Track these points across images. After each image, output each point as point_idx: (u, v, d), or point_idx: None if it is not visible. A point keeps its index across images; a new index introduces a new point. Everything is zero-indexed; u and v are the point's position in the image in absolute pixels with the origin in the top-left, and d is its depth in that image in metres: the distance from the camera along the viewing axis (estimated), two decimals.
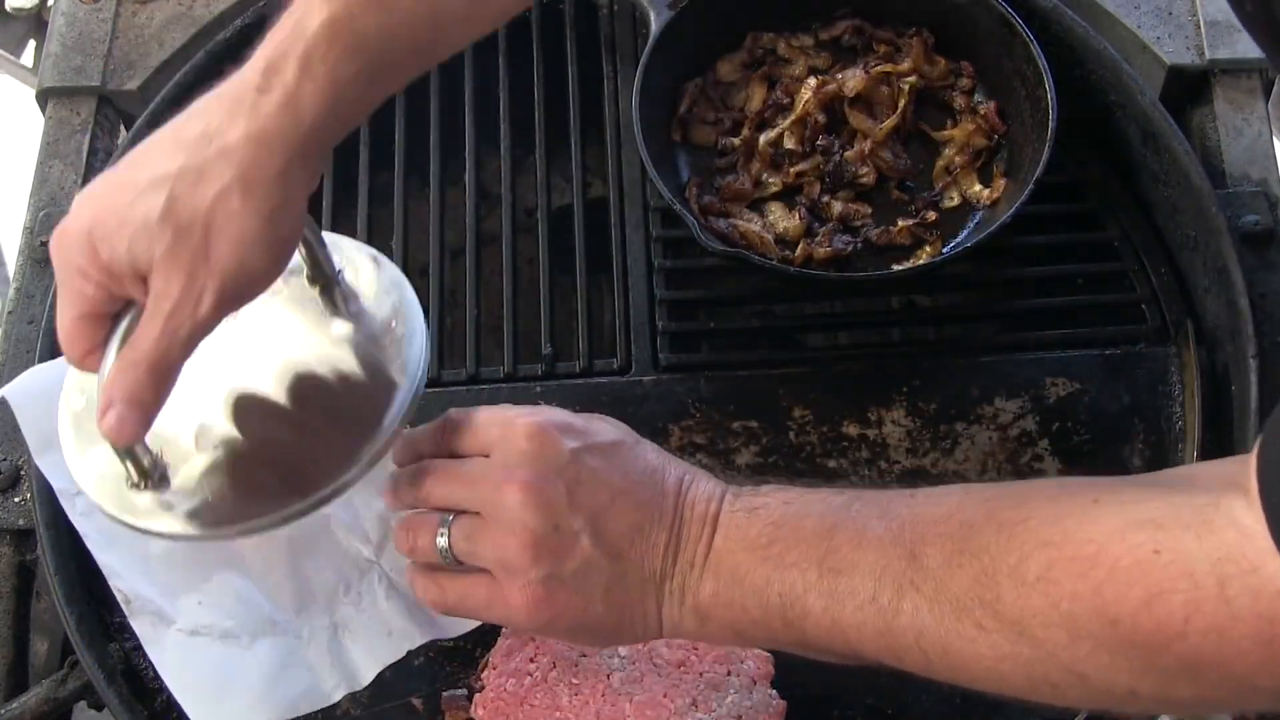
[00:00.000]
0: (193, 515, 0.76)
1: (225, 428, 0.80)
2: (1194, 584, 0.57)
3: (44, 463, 0.88)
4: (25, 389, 0.90)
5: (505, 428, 0.74)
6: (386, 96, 0.75)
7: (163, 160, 0.69)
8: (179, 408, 0.75)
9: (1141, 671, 0.60)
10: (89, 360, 0.72)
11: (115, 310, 0.71)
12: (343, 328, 0.85)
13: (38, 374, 0.91)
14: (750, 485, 0.75)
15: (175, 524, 0.76)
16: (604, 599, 0.72)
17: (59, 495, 0.88)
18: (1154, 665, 0.60)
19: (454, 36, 0.78)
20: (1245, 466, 0.57)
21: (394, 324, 0.85)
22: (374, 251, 0.87)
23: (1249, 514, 0.56)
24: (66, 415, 0.81)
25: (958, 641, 0.64)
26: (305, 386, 0.82)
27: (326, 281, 0.85)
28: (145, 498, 0.77)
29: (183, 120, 0.71)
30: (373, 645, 0.87)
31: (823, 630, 0.69)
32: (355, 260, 0.87)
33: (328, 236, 0.85)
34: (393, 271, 0.87)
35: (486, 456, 0.75)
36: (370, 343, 0.84)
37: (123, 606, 0.87)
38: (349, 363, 0.84)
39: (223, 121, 0.69)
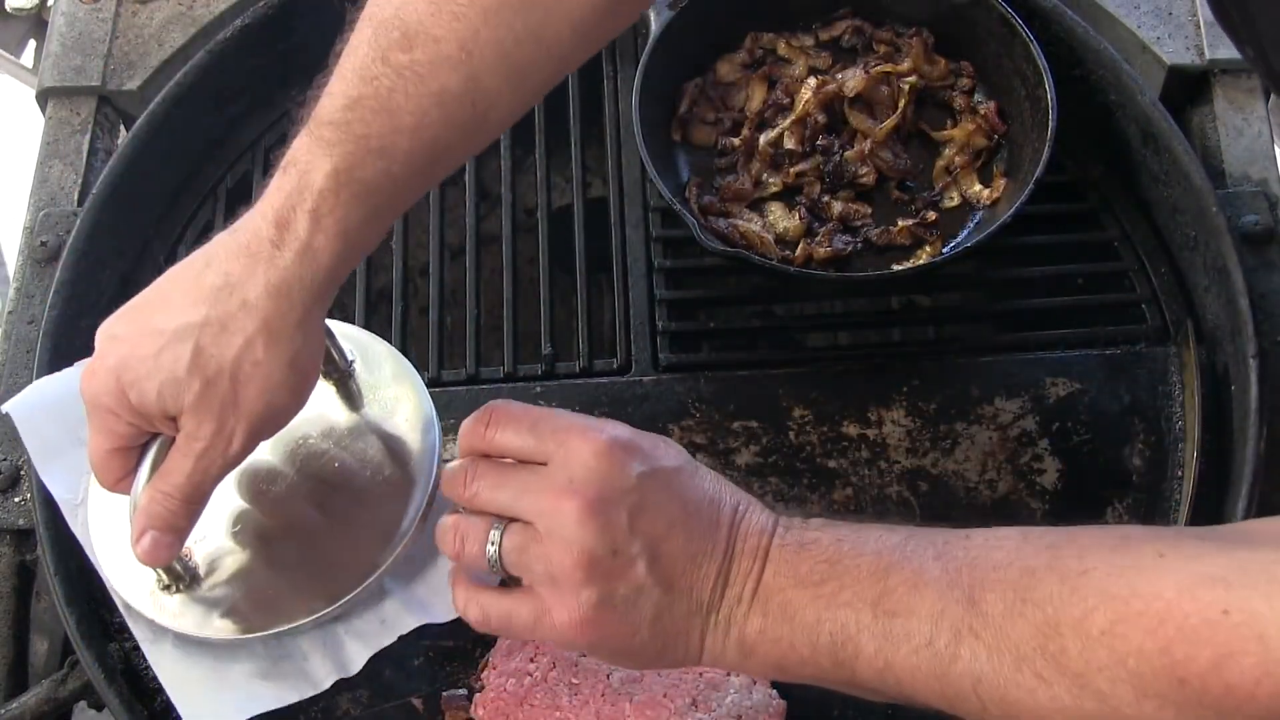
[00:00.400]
0: (223, 618, 0.82)
1: (250, 528, 0.85)
2: (1264, 646, 0.56)
3: (47, 474, 0.89)
4: (28, 403, 0.90)
5: (569, 440, 0.70)
6: (388, 228, 0.79)
7: (185, 308, 0.73)
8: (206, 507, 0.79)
9: None
10: (121, 486, 0.77)
11: (144, 441, 0.76)
12: (358, 422, 0.89)
13: (40, 387, 0.92)
14: (799, 518, 0.73)
15: (206, 627, 0.82)
16: (650, 626, 0.70)
17: (61, 505, 0.89)
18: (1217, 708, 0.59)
19: (452, 164, 0.81)
20: None
21: (406, 416, 0.89)
22: (382, 341, 0.92)
23: None
24: (95, 517, 0.87)
25: (1016, 691, 0.63)
26: (327, 486, 0.87)
27: (341, 376, 0.89)
28: (176, 599, 0.83)
29: (201, 266, 0.74)
30: (364, 632, 0.86)
31: (874, 672, 0.68)
32: (365, 350, 0.92)
33: (336, 327, 0.89)
34: (400, 361, 0.92)
35: (542, 464, 0.72)
36: (385, 438, 0.89)
37: (121, 611, 0.87)
38: (366, 459, 0.88)
39: (242, 273, 0.72)
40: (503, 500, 0.72)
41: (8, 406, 0.91)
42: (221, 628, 0.83)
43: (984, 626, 0.64)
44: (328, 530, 0.86)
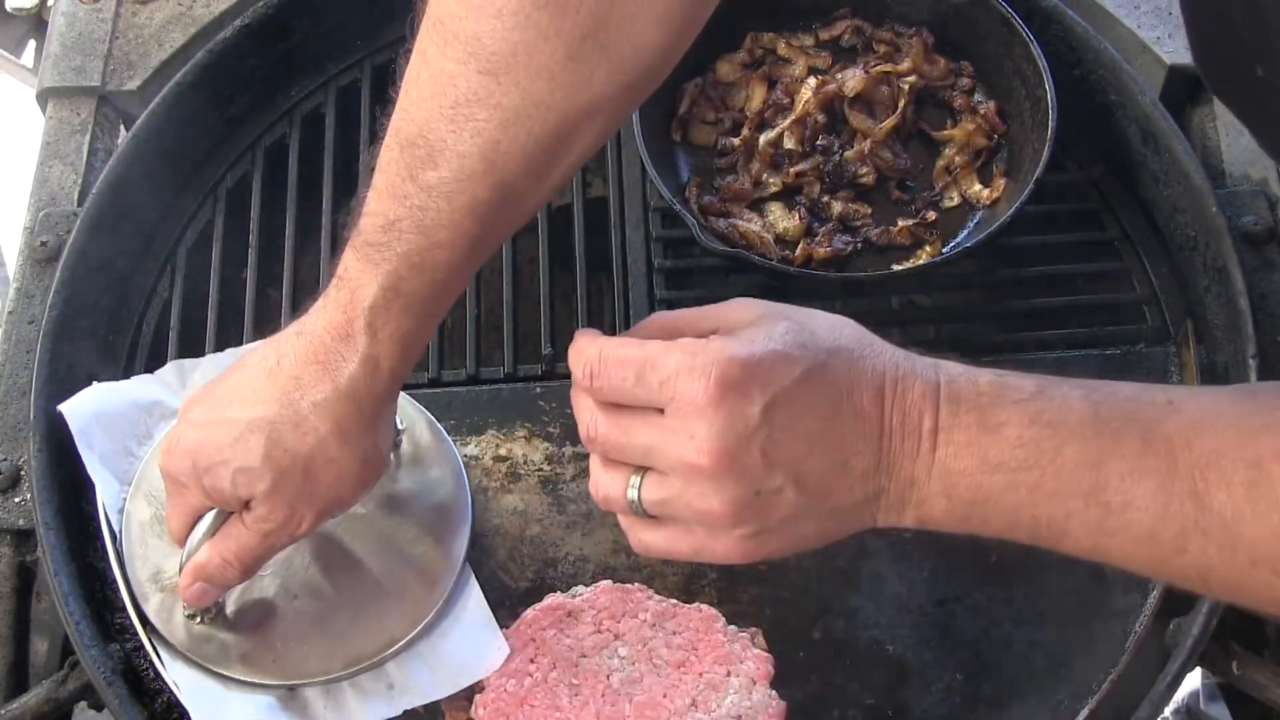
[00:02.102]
0: (239, 659, 0.86)
1: (282, 576, 0.89)
2: None
3: (96, 477, 0.92)
4: (83, 407, 0.94)
5: (678, 389, 0.67)
6: (443, 318, 0.81)
7: (259, 403, 0.78)
8: None
9: None
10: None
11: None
12: (398, 493, 0.92)
13: (96, 394, 0.95)
14: (966, 375, 0.68)
15: (222, 663, 0.85)
16: (816, 531, 0.70)
17: (107, 508, 0.91)
18: None
19: (493, 250, 0.82)
20: None
21: (442, 498, 0.93)
22: (426, 414, 0.96)
23: None
24: (133, 525, 0.90)
25: (1252, 585, 0.62)
26: (360, 551, 0.90)
27: (389, 444, 0.90)
28: (199, 628, 0.86)
29: (272, 364, 0.79)
30: (370, 698, 0.87)
31: (1082, 550, 0.66)
32: (413, 424, 0.95)
33: None
34: (443, 439, 0.95)
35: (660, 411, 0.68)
36: (420, 513, 0.92)
37: (135, 621, 0.88)
38: (399, 532, 0.91)
39: (312, 378, 0.77)
40: (630, 452, 0.70)
41: (63, 407, 0.94)
42: (237, 668, 0.86)
43: (1214, 525, 0.62)
44: (354, 595, 0.88)
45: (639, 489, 0.70)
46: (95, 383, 0.97)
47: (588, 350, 0.70)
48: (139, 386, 0.97)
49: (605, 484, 0.72)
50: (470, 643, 0.87)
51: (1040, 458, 0.65)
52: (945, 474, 0.66)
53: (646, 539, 0.73)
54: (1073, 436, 0.65)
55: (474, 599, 0.89)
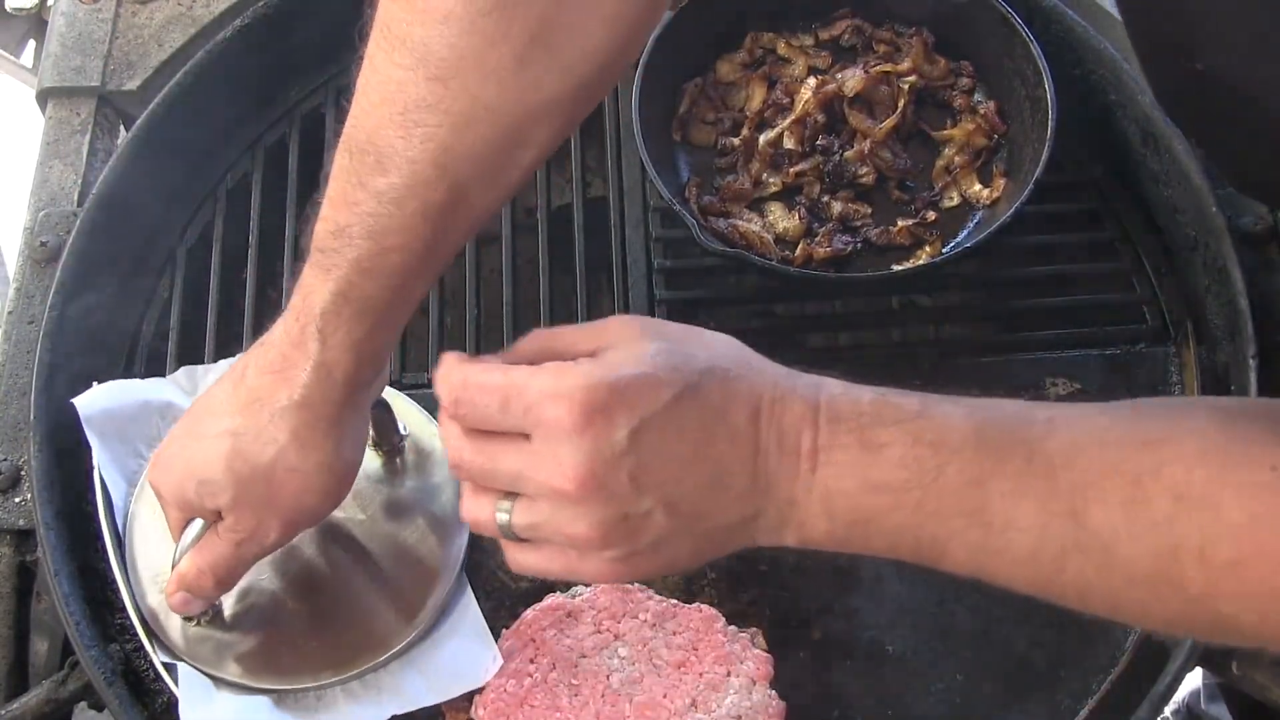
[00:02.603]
0: (235, 661, 0.86)
1: (280, 580, 0.89)
2: None
3: (106, 475, 0.92)
4: (96, 404, 0.94)
5: (542, 415, 0.65)
6: (403, 326, 0.81)
7: (222, 416, 0.79)
8: None
9: None
10: None
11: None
12: (399, 498, 0.93)
13: (111, 391, 0.96)
14: (845, 395, 0.66)
15: (216, 665, 0.86)
16: (691, 551, 0.68)
17: (113, 506, 0.92)
18: None
19: (453, 254, 0.82)
20: None
21: (442, 506, 0.93)
22: (434, 421, 0.94)
23: None
24: (137, 525, 0.92)
25: (1128, 604, 0.63)
26: (358, 555, 0.91)
27: (391, 449, 0.94)
28: (195, 630, 0.87)
29: (238, 377, 0.80)
30: (360, 702, 0.87)
31: (963, 570, 0.66)
32: (417, 430, 0.95)
33: (393, 398, 0.93)
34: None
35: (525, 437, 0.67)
36: (421, 520, 0.92)
37: (135, 622, 0.89)
38: (399, 538, 0.91)
39: (269, 389, 0.78)
40: (499, 483, 0.69)
41: (77, 401, 0.94)
42: (231, 670, 0.86)
43: (1092, 544, 0.61)
44: (351, 600, 0.89)
45: (509, 514, 0.69)
46: (95, 383, 0.97)
47: (452, 376, 0.68)
48: (153, 387, 0.97)
49: (474, 509, 0.70)
50: (464, 653, 0.87)
51: (923, 477, 0.64)
52: (826, 495, 0.65)
53: (520, 559, 0.71)
54: (955, 456, 0.64)
55: (469, 609, 0.89)
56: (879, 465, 0.65)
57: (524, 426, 0.66)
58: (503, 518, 0.69)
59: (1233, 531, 0.58)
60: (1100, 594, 0.63)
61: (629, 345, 0.67)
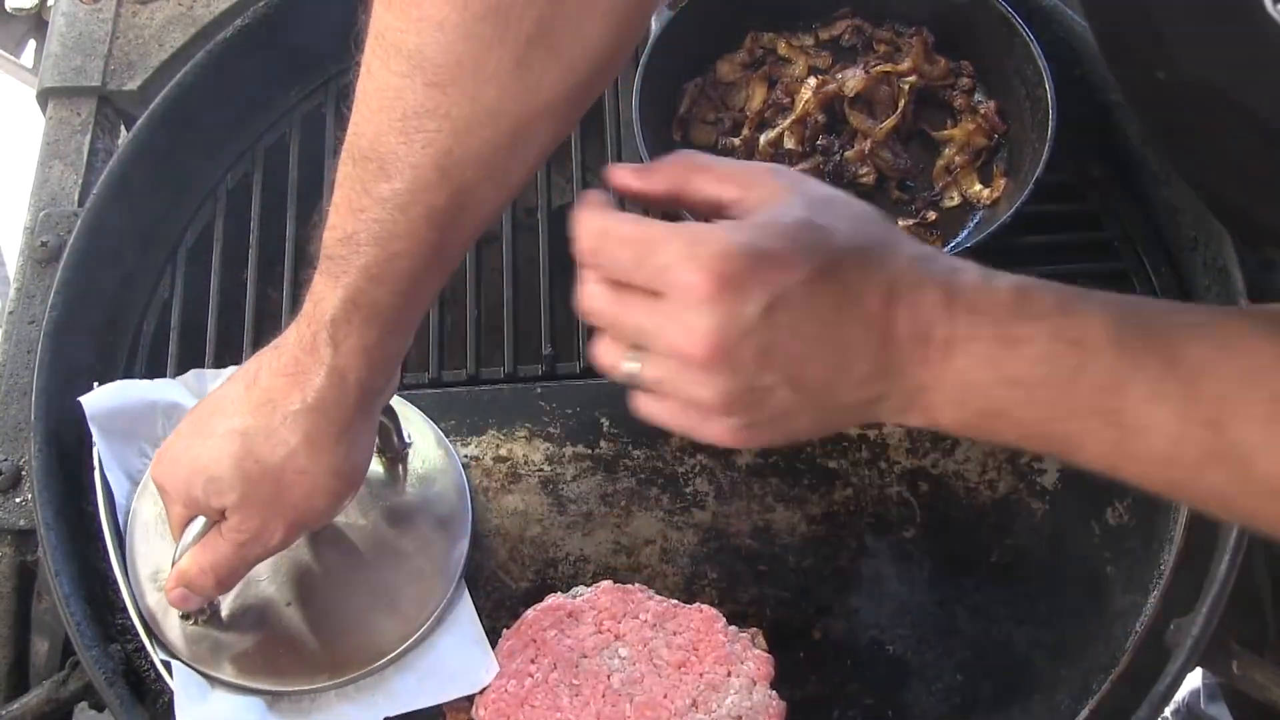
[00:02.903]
0: (231, 661, 0.86)
1: (278, 582, 0.89)
2: None
3: (110, 473, 0.93)
4: (103, 403, 0.94)
5: (677, 278, 0.63)
6: (413, 331, 0.82)
7: (232, 415, 0.79)
8: None
9: None
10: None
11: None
12: (400, 505, 0.93)
13: (119, 390, 0.96)
14: (980, 278, 0.66)
15: (212, 664, 0.86)
16: (813, 425, 0.68)
17: (115, 504, 0.92)
18: None
19: (461, 254, 0.82)
20: None
21: (442, 514, 0.93)
22: (438, 431, 0.97)
23: None
24: (138, 524, 0.92)
25: (1268, 511, 0.62)
26: (357, 561, 0.91)
27: (395, 456, 0.94)
28: (192, 629, 0.87)
29: (250, 379, 0.80)
30: (354, 705, 0.87)
31: (1098, 466, 0.65)
32: (420, 437, 0.96)
33: (400, 406, 0.93)
34: (453, 456, 0.96)
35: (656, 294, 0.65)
36: (421, 528, 0.92)
37: (135, 622, 0.89)
38: (398, 545, 0.91)
39: (282, 392, 0.78)
40: (628, 336, 0.67)
41: (84, 399, 0.94)
42: (227, 670, 0.86)
43: (1231, 455, 0.61)
44: (348, 604, 0.89)
45: (639, 365, 0.67)
46: (97, 383, 0.97)
47: (592, 224, 0.67)
48: (160, 388, 0.97)
49: (605, 355, 0.68)
50: (460, 659, 0.87)
51: (1059, 376, 0.63)
52: (959, 385, 0.64)
53: (646, 407, 0.69)
54: (1094, 356, 0.63)
55: (467, 616, 0.89)
56: (1015, 360, 0.64)
57: (658, 286, 0.64)
58: (632, 367, 0.67)
59: None
60: (1239, 503, 0.62)
61: (773, 207, 0.65)
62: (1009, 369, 0.64)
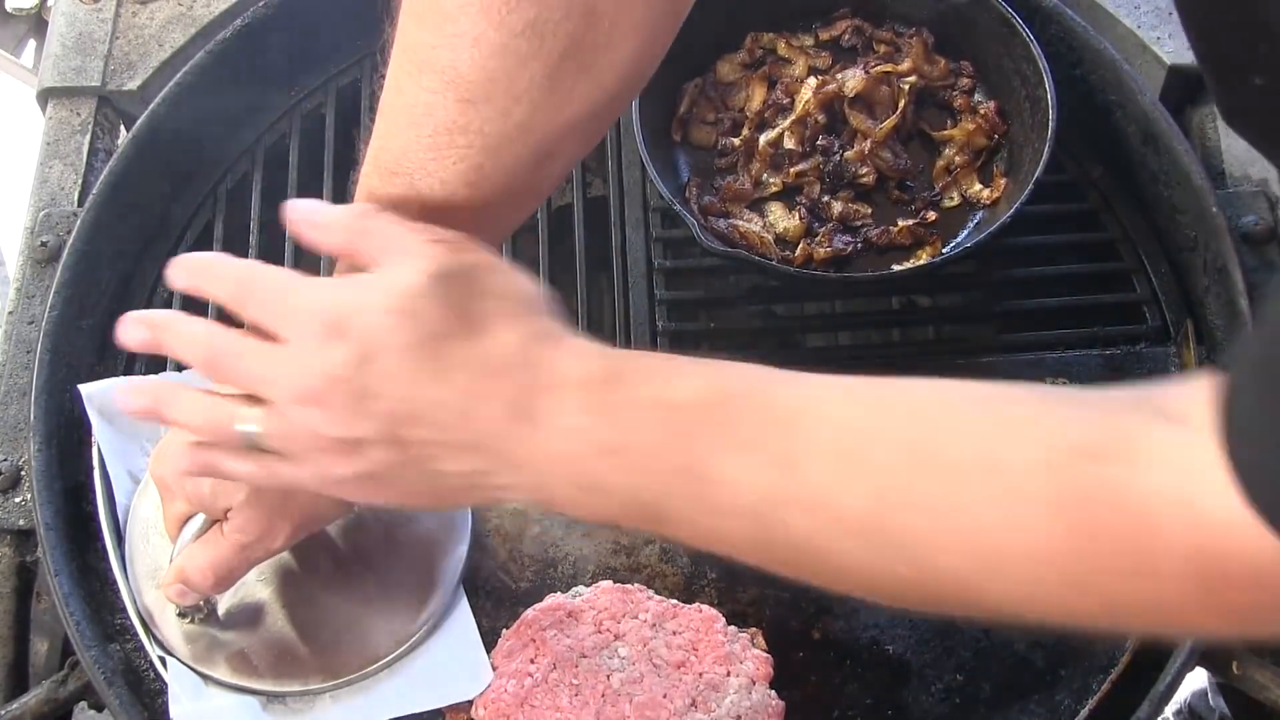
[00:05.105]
0: (225, 661, 0.86)
1: (276, 581, 0.89)
2: (1128, 518, 0.52)
3: (111, 468, 0.92)
4: (105, 396, 0.93)
5: (300, 315, 0.67)
6: None
7: None
8: None
9: (1054, 609, 0.56)
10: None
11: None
12: (400, 508, 0.91)
13: (115, 384, 0.95)
14: (574, 358, 0.66)
15: (206, 662, 0.86)
16: (426, 492, 0.69)
17: (115, 500, 0.92)
18: (1068, 604, 0.56)
19: None
20: (1187, 396, 0.53)
21: (444, 516, 0.92)
22: None
23: (1191, 444, 0.51)
24: (137, 521, 0.91)
25: (844, 559, 0.60)
26: (356, 562, 0.90)
27: None
28: (190, 629, 0.87)
29: None
30: (348, 707, 0.87)
31: (698, 536, 0.65)
32: None
33: None
34: None
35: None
36: (421, 532, 0.91)
37: (133, 618, 0.89)
38: (398, 548, 0.91)
39: None
40: (240, 373, 0.69)
41: (84, 388, 0.93)
42: (222, 670, 0.86)
43: (802, 493, 0.59)
44: (346, 606, 0.88)
45: (254, 425, 0.69)
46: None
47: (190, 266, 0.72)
48: None
49: (212, 413, 0.70)
50: (456, 664, 0.87)
51: (644, 439, 0.63)
52: (555, 459, 0.65)
53: (244, 469, 0.71)
54: (674, 412, 0.63)
55: (463, 621, 0.89)
56: (607, 428, 0.64)
57: (285, 329, 0.67)
58: (248, 427, 0.69)
59: (953, 474, 0.56)
60: (819, 554, 0.60)
61: (405, 269, 0.67)
62: (599, 436, 0.64)
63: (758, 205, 1.08)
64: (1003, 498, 0.55)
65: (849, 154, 1.08)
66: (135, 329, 0.72)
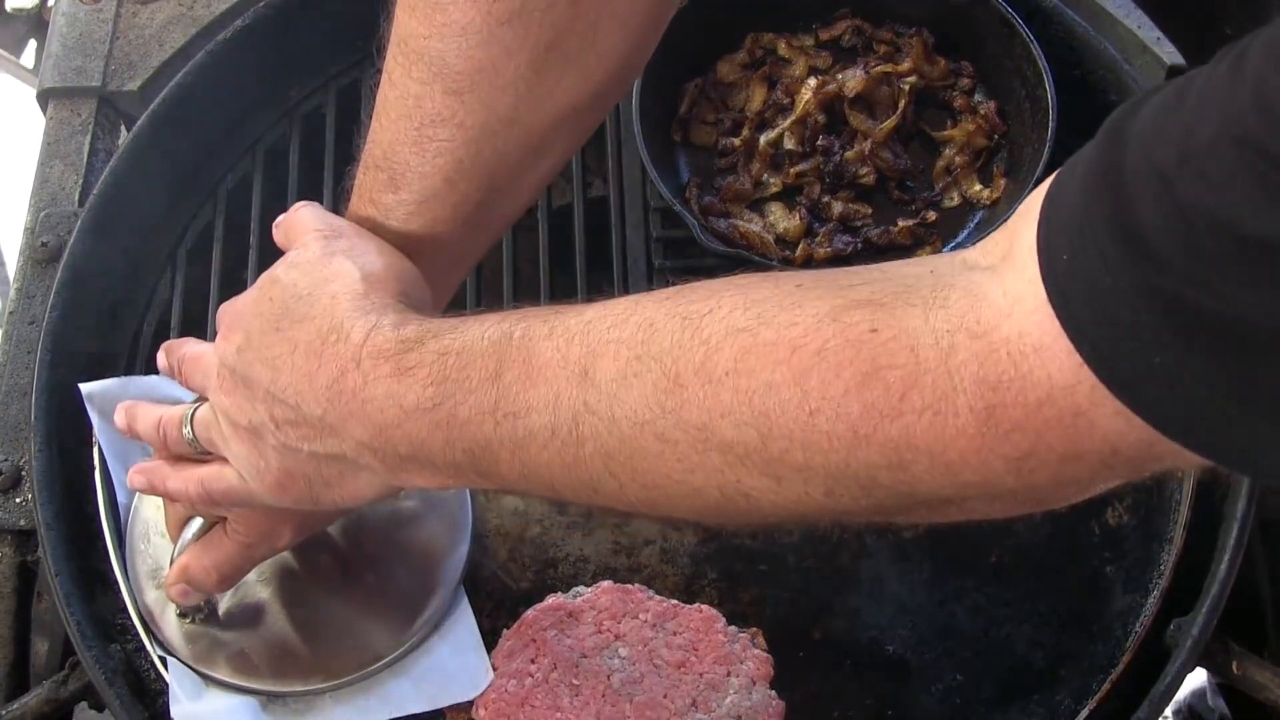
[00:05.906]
0: (226, 661, 0.86)
1: (276, 581, 0.89)
2: (915, 358, 0.51)
3: (112, 467, 0.92)
4: (107, 394, 0.93)
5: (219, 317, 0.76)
6: None
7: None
8: None
9: (839, 468, 0.54)
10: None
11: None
12: (402, 510, 0.92)
13: (124, 385, 0.95)
14: (388, 323, 0.67)
15: (207, 662, 0.86)
16: (318, 488, 0.71)
17: (116, 499, 0.92)
18: (854, 459, 0.53)
19: (463, 273, 0.84)
20: (991, 243, 0.54)
21: (445, 517, 0.92)
22: None
23: (991, 278, 0.51)
24: (138, 520, 0.91)
25: (644, 460, 0.58)
26: (357, 563, 0.90)
27: None
28: (191, 628, 0.87)
29: None
30: (347, 707, 0.87)
31: (518, 475, 0.64)
32: None
33: None
34: None
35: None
36: (421, 535, 0.91)
37: (134, 618, 0.89)
38: (399, 549, 0.91)
39: None
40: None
41: (84, 387, 0.93)
42: (223, 670, 0.86)
43: (599, 399, 0.58)
44: (347, 607, 0.88)
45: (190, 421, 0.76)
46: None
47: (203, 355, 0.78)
48: (162, 385, 0.97)
49: (163, 420, 0.78)
50: (456, 665, 0.87)
51: (447, 386, 0.63)
52: (378, 430, 0.65)
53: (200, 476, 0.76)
54: (474, 359, 0.63)
55: (464, 622, 0.89)
56: (411, 389, 0.64)
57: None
58: (186, 431, 0.76)
59: (737, 338, 0.55)
60: (621, 459, 0.59)
61: (258, 290, 0.73)
62: (407, 400, 0.64)
63: (758, 205, 1.08)
64: (788, 356, 0.54)
65: (849, 154, 1.08)
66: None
